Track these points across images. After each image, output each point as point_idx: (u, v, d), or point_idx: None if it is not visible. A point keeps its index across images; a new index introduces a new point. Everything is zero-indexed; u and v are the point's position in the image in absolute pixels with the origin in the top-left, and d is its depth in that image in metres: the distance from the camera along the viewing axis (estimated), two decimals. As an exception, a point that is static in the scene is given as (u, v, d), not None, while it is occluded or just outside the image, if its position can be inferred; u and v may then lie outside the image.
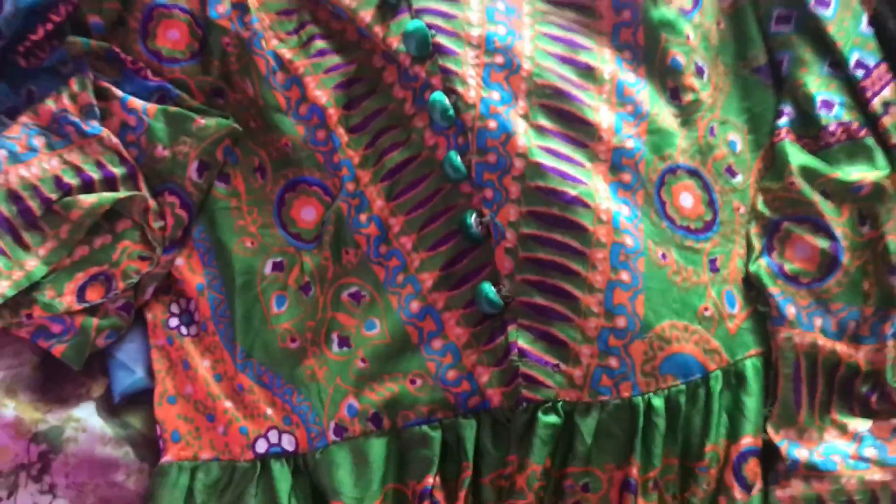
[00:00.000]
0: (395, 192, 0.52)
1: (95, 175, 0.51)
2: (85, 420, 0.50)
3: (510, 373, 0.49)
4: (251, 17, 0.53)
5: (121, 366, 0.52)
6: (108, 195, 0.51)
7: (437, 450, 0.49)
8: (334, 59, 0.53)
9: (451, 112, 0.50)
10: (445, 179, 0.51)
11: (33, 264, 0.50)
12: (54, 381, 0.51)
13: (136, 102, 0.52)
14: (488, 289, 0.49)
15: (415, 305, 0.51)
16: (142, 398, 0.52)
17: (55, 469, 0.49)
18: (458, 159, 0.50)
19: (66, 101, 0.52)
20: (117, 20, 0.54)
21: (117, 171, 0.51)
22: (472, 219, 0.50)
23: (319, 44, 0.54)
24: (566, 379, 0.49)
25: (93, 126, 0.51)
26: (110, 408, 0.51)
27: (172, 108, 0.52)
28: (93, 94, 0.52)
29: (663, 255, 0.50)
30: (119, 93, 0.52)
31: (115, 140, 0.52)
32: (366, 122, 0.53)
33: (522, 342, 0.49)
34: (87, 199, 0.50)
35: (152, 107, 0.52)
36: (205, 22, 0.54)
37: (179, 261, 0.53)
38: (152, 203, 0.51)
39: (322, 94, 0.53)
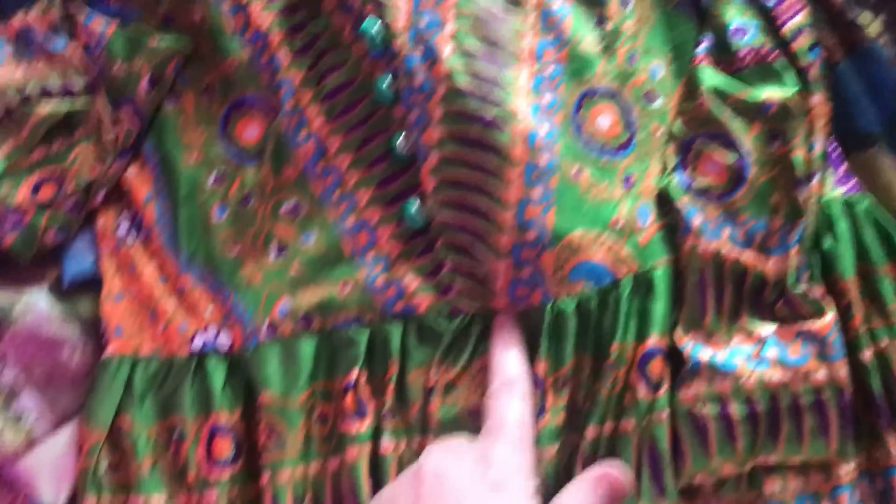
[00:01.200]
0: (335, 113, 0.55)
1: (56, 86, 0.56)
2: (34, 299, 0.54)
3: (441, 286, 0.52)
4: None
5: (72, 256, 0.56)
6: (66, 103, 0.55)
7: (363, 350, 0.52)
8: None
9: (380, 40, 0.54)
10: (378, 103, 0.54)
11: None
12: (10, 267, 0.56)
13: (98, 23, 0.57)
14: (411, 206, 0.53)
15: (350, 220, 0.54)
16: (90, 285, 0.56)
17: (6, 340, 0.54)
18: (384, 85, 0.54)
19: (33, 17, 0.57)
20: None
21: (78, 84, 0.56)
22: (400, 140, 0.54)
23: None
24: (489, 291, 0.52)
25: (58, 42, 0.56)
26: (60, 292, 0.56)
27: (130, 28, 0.57)
28: (61, 13, 0.57)
29: (577, 173, 0.53)
30: (83, 14, 0.57)
31: (79, 56, 0.56)
32: (308, 47, 0.56)
33: (451, 259, 0.52)
34: (46, 107, 0.55)
35: (111, 27, 0.56)
36: None
37: (132, 171, 0.57)
38: (107, 114, 0.56)
39: (266, 18, 0.57)
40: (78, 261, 0.56)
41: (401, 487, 0.46)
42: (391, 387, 0.51)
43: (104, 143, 0.56)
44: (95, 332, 0.55)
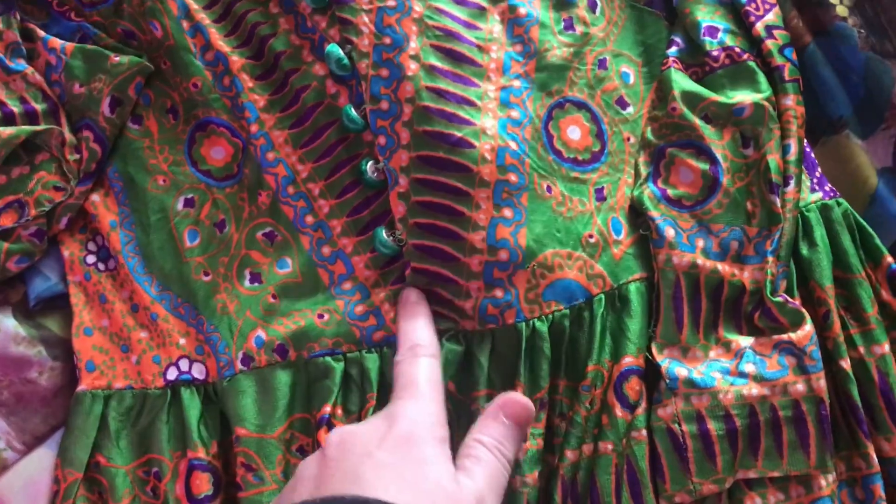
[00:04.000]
0: (302, 140, 0.54)
1: (17, 109, 0.55)
2: (0, 321, 0.54)
3: None
4: None
5: (37, 273, 0.55)
6: (27, 128, 0.54)
7: (338, 379, 0.51)
8: (230, 21, 0.56)
9: (346, 62, 0.52)
10: (347, 129, 0.53)
11: None
12: None
13: (56, 42, 0.55)
14: (381, 233, 0.52)
15: (326, 250, 0.53)
16: (57, 303, 0.56)
17: None
18: (353, 111, 0.53)
19: None
20: None
21: (39, 106, 0.55)
22: (368, 166, 0.52)
23: (217, 9, 0.56)
24: (460, 312, 0.51)
25: (17, 63, 0.55)
26: (26, 311, 0.55)
27: (89, 47, 0.55)
28: (18, 33, 0.55)
29: (548, 188, 0.52)
30: (42, 33, 0.56)
31: (38, 77, 0.55)
32: (270, 71, 0.55)
33: (422, 285, 0.51)
34: (6, 130, 0.54)
35: (70, 45, 0.55)
36: None
37: (96, 198, 0.56)
38: (69, 137, 0.55)
39: (225, 45, 0.55)
40: (43, 276, 0.56)
41: (309, 459, 0.44)
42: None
43: (66, 168, 0.55)
44: (64, 351, 0.55)
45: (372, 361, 0.51)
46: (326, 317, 0.52)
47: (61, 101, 0.55)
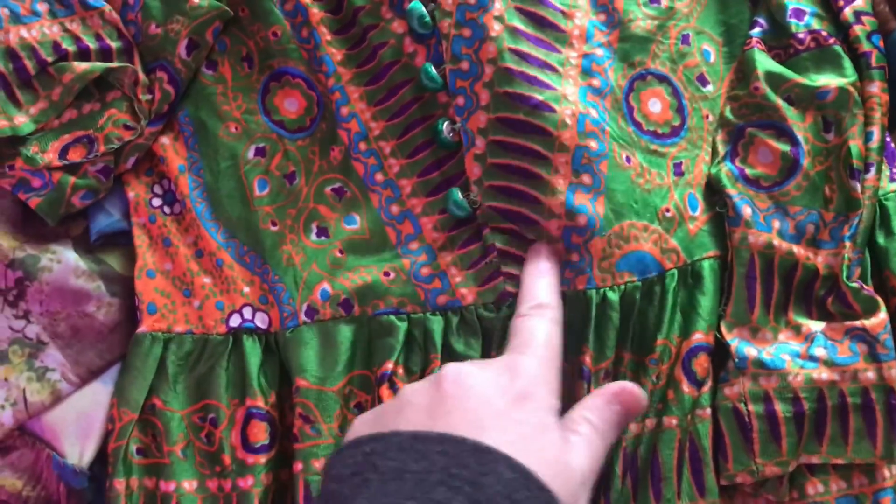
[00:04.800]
0: (377, 98, 0.54)
1: (92, 45, 0.54)
2: (61, 252, 0.53)
3: (487, 273, 0.51)
4: None
5: (100, 209, 0.55)
6: (101, 64, 0.54)
7: (401, 338, 0.51)
8: None
9: (428, 20, 0.52)
10: (424, 89, 0.53)
11: (22, 120, 0.53)
12: (36, 219, 0.55)
13: None
14: (455, 194, 0.51)
15: (395, 209, 0.53)
16: (118, 240, 0.55)
17: (30, 296, 0.53)
18: (433, 70, 0.52)
19: None
20: None
21: (114, 44, 0.55)
22: (445, 126, 0.52)
23: None
24: None
25: (95, 0, 0.55)
26: (87, 246, 0.55)
27: None
28: None
29: (627, 158, 0.51)
30: None
31: (115, 15, 0.55)
32: (349, 26, 0.55)
33: (500, 244, 0.51)
34: (81, 66, 0.53)
35: None
36: None
37: (166, 141, 0.55)
38: (142, 76, 0.54)
39: None
40: (106, 213, 0.55)
41: (419, 387, 0.42)
42: None
43: (138, 107, 0.54)
44: (122, 287, 0.54)
45: (437, 323, 0.51)
46: (392, 275, 0.52)
47: (136, 41, 0.55)
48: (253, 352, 0.52)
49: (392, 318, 0.51)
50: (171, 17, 0.54)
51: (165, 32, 0.54)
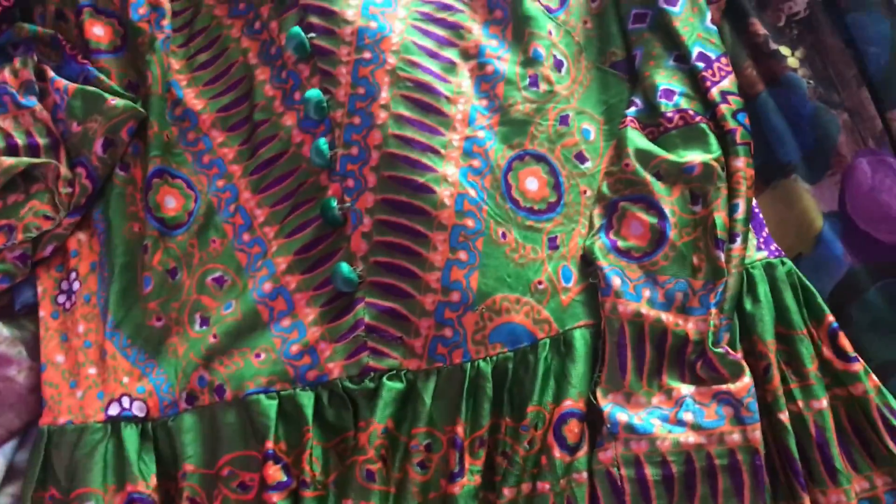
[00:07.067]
0: (262, 185, 0.57)
1: (21, 141, 0.58)
2: None
3: (353, 347, 0.54)
4: (167, 21, 0.60)
5: (25, 282, 0.59)
6: (27, 159, 0.58)
7: (273, 416, 0.53)
8: (211, 72, 0.60)
9: (325, 105, 0.56)
10: (308, 173, 0.56)
11: None
12: None
13: (61, 82, 0.59)
14: (345, 268, 0.54)
15: (268, 286, 0.56)
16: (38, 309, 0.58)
17: None
18: (325, 146, 0.56)
19: (7, 75, 0.59)
20: (56, 13, 0.61)
21: (42, 140, 0.59)
22: (335, 204, 0.55)
23: (202, 57, 0.61)
24: (408, 350, 0.53)
25: (28, 99, 0.59)
26: (11, 314, 0.58)
27: (90, 88, 0.59)
28: (33, 73, 0.59)
29: (503, 234, 0.54)
30: (52, 73, 0.59)
31: (45, 114, 0.59)
32: (242, 122, 0.59)
33: (369, 318, 0.54)
34: (8, 160, 0.57)
35: (72, 86, 0.59)
36: (127, 22, 0.60)
37: (83, 237, 0.59)
38: (64, 171, 0.58)
39: (199, 101, 0.59)
40: (29, 287, 0.59)
41: None
42: (306, 455, 0.52)
43: (58, 200, 0.58)
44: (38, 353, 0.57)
45: (307, 398, 0.53)
46: (263, 356, 0.55)
47: (63, 138, 0.59)
48: (131, 438, 0.54)
49: (262, 397, 0.53)
50: (90, 117, 0.58)
51: (84, 131, 0.58)
